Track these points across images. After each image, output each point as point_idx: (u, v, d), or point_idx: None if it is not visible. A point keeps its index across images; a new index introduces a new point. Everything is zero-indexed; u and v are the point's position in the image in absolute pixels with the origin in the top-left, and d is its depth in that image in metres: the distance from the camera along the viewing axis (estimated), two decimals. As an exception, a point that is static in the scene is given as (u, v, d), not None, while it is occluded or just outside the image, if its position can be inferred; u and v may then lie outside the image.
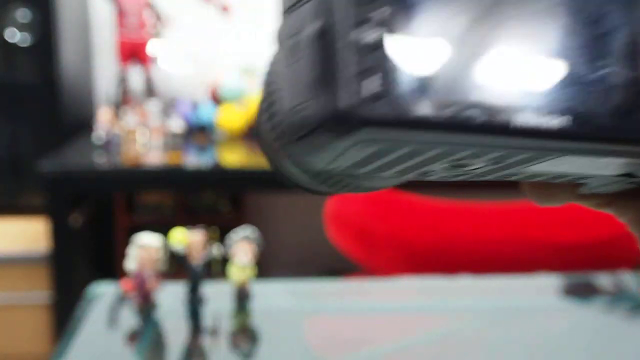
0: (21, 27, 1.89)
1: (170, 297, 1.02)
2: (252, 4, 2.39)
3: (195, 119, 2.01)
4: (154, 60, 2.09)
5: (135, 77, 2.06)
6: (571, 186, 0.28)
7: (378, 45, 0.19)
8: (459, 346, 0.97)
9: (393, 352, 0.96)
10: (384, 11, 0.19)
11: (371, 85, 0.18)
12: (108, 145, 1.88)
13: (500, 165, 0.23)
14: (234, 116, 2.06)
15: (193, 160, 1.84)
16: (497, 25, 0.20)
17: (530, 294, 1.12)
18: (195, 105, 2.00)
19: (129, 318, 0.97)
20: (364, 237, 1.34)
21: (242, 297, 1.01)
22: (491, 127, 0.20)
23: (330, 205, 1.44)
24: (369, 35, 0.19)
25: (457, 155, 0.21)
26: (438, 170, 0.23)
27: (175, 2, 2.25)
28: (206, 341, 0.93)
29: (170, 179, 1.73)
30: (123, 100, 1.97)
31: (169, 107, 1.75)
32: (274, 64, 0.25)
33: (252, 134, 1.71)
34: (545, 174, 0.25)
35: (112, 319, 0.98)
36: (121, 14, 1.90)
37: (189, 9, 2.29)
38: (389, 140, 0.20)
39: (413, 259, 1.28)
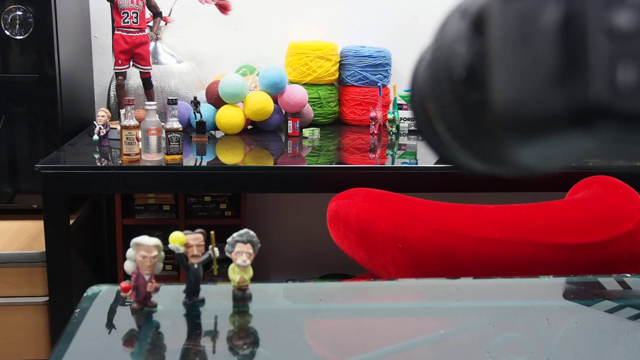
0: (19, 23, 1.87)
1: (169, 299, 1.01)
2: (252, 3, 2.38)
3: (194, 119, 2.01)
4: (153, 59, 2.07)
5: (134, 76, 2.05)
6: None
7: (634, 30, 0.17)
8: (461, 348, 0.96)
9: (394, 354, 0.95)
10: None
11: (627, 75, 0.17)
12: (106, 145, 1.87)
13: None
14: (234, 116, 2.05)
15: (192, 160, 1.83)
16: None
17: (533, 296, 1.11)
18: (194, 105, 1.99)
19: (128, 319, 0.96)
20: (365, 238, 1.33)
21: (241, 299, 1.00)
22: None
23: (332, 205, 1.43)
24: (624, 19, 0.17)
25: None
26: None
27: (174, 1, 2.25)
28: (205, 343, 0.92)
29: (170, 179, 1.72)
30: (122, 99, 1.95)
31: (168, 107, 1.74)
32: (476, 44, 0.24)
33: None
34: None
35: (111, 321, 0.97)
36: (120, 12, 1.89)
37: (189, 8, 2.28)
38: None
39: (415, 260, 1.27)
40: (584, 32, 0.18)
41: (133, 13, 1.89)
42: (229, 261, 0.98)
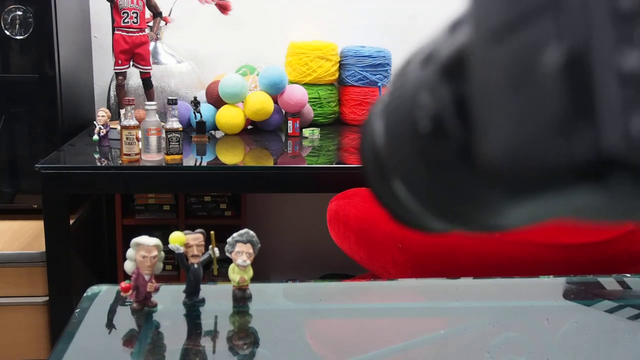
0: (19, 23, 1.87)
1: (169, 299, 1.01)
2: (252, 3, 2.38)
3: (194, 119, 2.00)
4: (153, 59, 2.07)
5: (134, 76, 2.05)
6: None
7: None
8: (461, 348, 0.96)
9: (394, 354, 0.95)
10: None
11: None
12: (106, 145, 1.87)
13: None
14: (234, 116, 2.05)
15: (192, 160, 1.83)
16: None
17: (533, 296, 1.11)
18: (194, 105, 1.99)
19: (128, 319, 0.96)
20: (365, 238, 1.33)
21: (241, 299, 1.00)
22: None
23: (332, 205, 1.43)
24: (634, 61, 0.16)
25: None
26: None
27: (174, 1, 2.25)
28: (205, 343, 0.92)
29: (170, 179, 1.72)
30: (122, 99, 1.95)
31: (168, 107, 1.74)
32: (470, 85, 0.21)
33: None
34: None
35: (111, 321, 0.97)
36: (120, 12, 1.89)
37: (189, 8, 2.28)
38: None
39: (415, 260, 1.27)
40: (591, 75, 0.16)
41: (133, 13, 1.89)
42: (229, 261, 0.98)
